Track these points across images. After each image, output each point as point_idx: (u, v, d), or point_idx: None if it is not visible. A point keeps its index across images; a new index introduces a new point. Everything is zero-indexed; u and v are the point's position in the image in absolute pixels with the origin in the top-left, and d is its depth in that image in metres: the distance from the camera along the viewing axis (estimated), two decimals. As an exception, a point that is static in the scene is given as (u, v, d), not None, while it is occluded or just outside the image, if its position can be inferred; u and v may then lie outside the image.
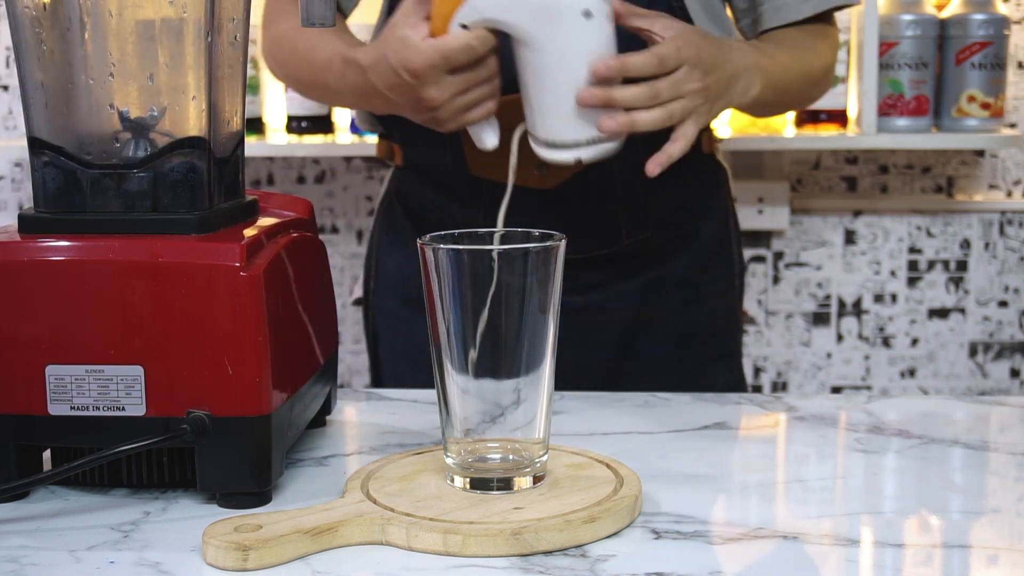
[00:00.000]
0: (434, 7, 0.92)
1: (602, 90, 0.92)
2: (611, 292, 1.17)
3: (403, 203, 1.23)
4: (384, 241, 1.24)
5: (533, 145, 0.95)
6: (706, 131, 1.19)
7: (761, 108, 1.17)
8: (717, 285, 1.21)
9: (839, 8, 1.18)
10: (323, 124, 2.16)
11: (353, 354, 2.33)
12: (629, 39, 0.98)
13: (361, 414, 0.92)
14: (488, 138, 0.97)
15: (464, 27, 0.90)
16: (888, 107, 2.02)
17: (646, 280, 1.17)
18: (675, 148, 0.97)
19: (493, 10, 0.89)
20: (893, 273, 2.24)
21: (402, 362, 1.23)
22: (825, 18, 1.17)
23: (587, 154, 0.94)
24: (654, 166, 0.97)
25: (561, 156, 0.94)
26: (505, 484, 0.69)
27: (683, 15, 1.08)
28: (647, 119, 0.94)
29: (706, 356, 1.21)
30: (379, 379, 1.26)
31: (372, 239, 1.27)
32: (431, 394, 0.84)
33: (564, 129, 0.93)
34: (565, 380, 0.97)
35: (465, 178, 1.13)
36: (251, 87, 2.10)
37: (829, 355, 2.26)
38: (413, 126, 1.13)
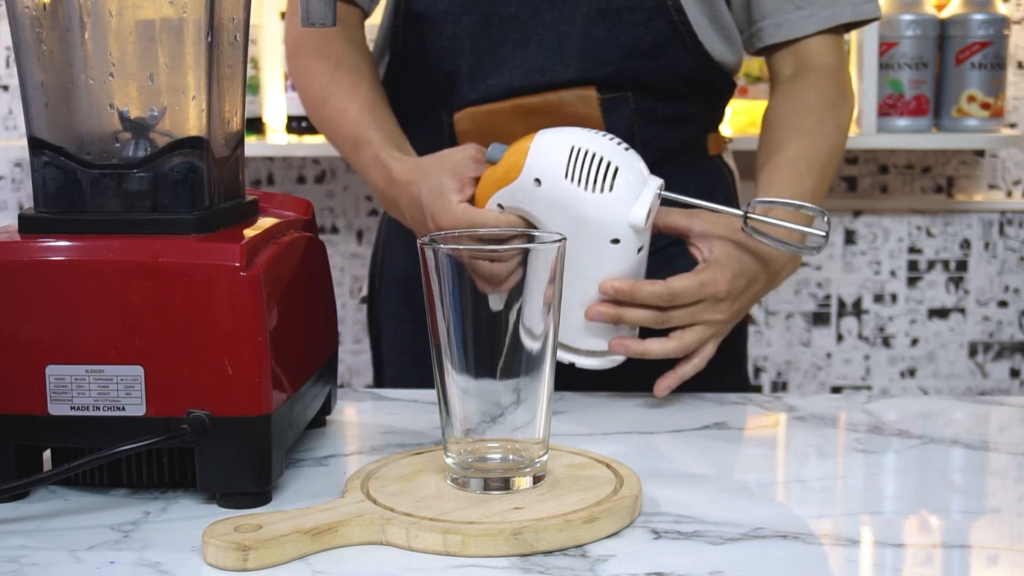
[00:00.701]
0: (483, 177, 0.93)
1: (610, 307, 0.90)
2: None
3: None
4: (390, 242, 1.24)
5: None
6: (712, 132, 1.18)
7: None
8: None
9: (849, 28, 1.12)
10: (323, 124, 2.16)
11: (353, 354, 2.33)
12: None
13: (361, 414, 0.92)
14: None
15: (501, 207, 0.91)
16: (888, 107, 2.02)
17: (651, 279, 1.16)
18: (687, 369, 0.93)
19: (530, 204, 0.89)
20: (893, 273, 2.24)
21: (404, 362, 1.23)
22: (830, 35, 1.11)
23: (590, 363, 0.92)
24: (661, 390, 0.93)
25: (564, 357, 0.92)
26: (505, 484, 0.69)
27: (680, 17, 1.08)
28: (658, 350, 0.92)
29: (713, 357, 1.20)
30: (381, 379, 1.26)
31: (378, 239, 1.27)
32: (431, 394, 0.84)
33: (571, 336, 0.92)
34: (570, 383, 0.97)
35: None
36: (251, 87, 2.10)
37: (829, 355, 2.26)
38: (418, 133, 1.14)
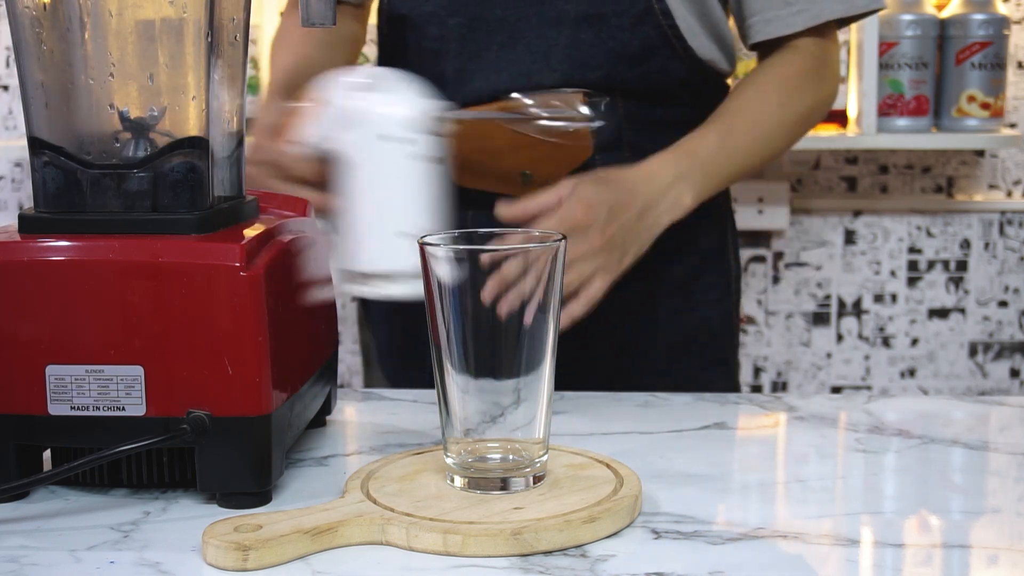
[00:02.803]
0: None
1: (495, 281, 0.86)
2: (604, 300, 1.16)
3: None
4: None
5: (343, 285, 0.91)
6: None
7: (726, 185, 1.11)
8: (712, 293, 1.19)
9: (841, 23, 1.11)
10: (323, 124, 2.16)
11: (353, 354, 2.34)
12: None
13: (361, 414, 0.92)
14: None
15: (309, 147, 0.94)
16: (888, 107, 2.03)
17: (640, 288, 1.14)
18: (577, 308, 0.93)
19: (326, 130, 0.91)
20: (893, 273, 2.24)
21: (392, 360, 1.22)
22: (822, 32, 1.10)
23: (390, 291, 0.88)
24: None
25: (356, 289, 0.89)
26: (505, 484, 0.69)
27: (667, 21, 1.06)
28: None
29: (702, 363, 1.19)
30: (370, 378, 1.26)
31: None
32: (431, 394, 0.84)
33: (364, 260, 0.88)
34: (570, 383, 0.97)
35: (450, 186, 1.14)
36: (251, 87, 2.10)
37: (829, 355, 2.26)
38: None
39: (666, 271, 1.16)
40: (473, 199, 1.12)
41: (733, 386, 1.22)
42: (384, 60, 1.16)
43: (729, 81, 1.17)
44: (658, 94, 1.10)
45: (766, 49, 1.13)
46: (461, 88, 1.09)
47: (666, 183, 1.01)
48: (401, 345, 1.21)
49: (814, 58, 1.12)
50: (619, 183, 0.98)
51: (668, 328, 1.17)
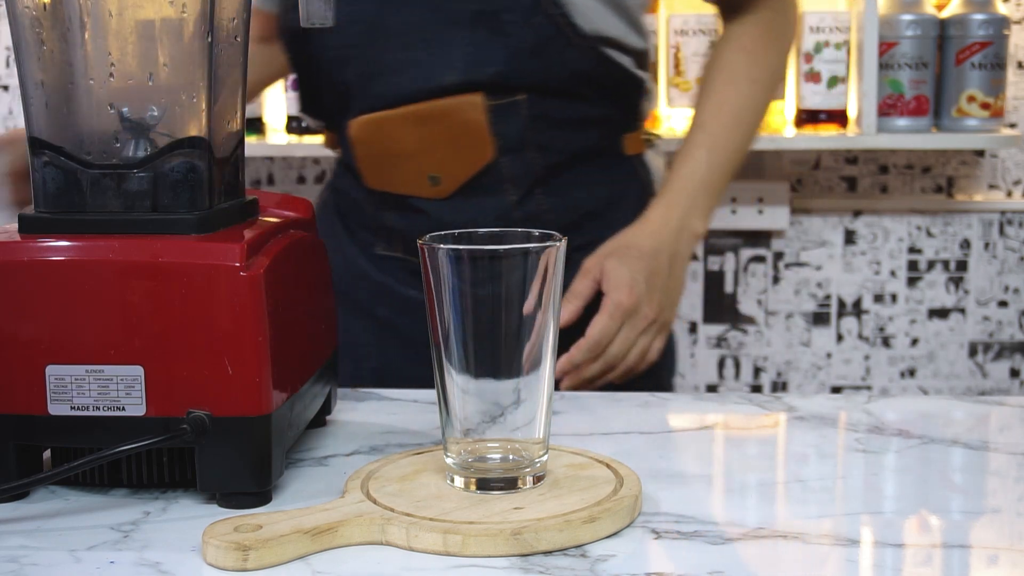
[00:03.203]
0: None
1: (569, 380, 1.02)
2: None
3: (335, 198, 1.23)
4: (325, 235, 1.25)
5: None
6: (633, 132, 1.16)
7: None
8: None
9: None
10: (323, 124, 2.16)
11: (353, 354, 2.33)
12: None
13: (361, 414, 0.92)
14: None
15: None
16: (888, 107, 2.03)
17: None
18: (642, 368, 1.05)
19: None
20: (893, 273, 2.24)
21: (345, 360, 1.23)
22: None
23: None
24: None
25: None
26: (505, 484, 0.69)
27: (558, 10, 1.06)
28: (623, 376, 1.04)
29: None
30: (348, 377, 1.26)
31: None
32: (431, 394, 0.84)
33: None
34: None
35: (366, 188, 1.15)
36: (251, 87, 2.10)
37: (829, 355, 2.26)
38: (338, 143, 1.16)
39: (573, 270, 1.13)
40: (389, 201, 1.13)
41: (670, 354, 1.21)
42: (296, 72, 1.18)
43: (641, 75, 1.15)
44: (564, 91, 1.09)
45: (725, 7, 1.15)
46: (365, 94, 1.09)
47: (677, 227, 1.07)
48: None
49: (771, 9, 1.14)
50: (640, 249, 1.05)
51: (581, 326, 1.12)
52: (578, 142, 1.12)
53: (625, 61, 1.12)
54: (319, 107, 1.19)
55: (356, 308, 1.18)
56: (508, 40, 1.06)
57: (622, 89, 1.13)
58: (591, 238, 1.11)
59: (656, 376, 1.13)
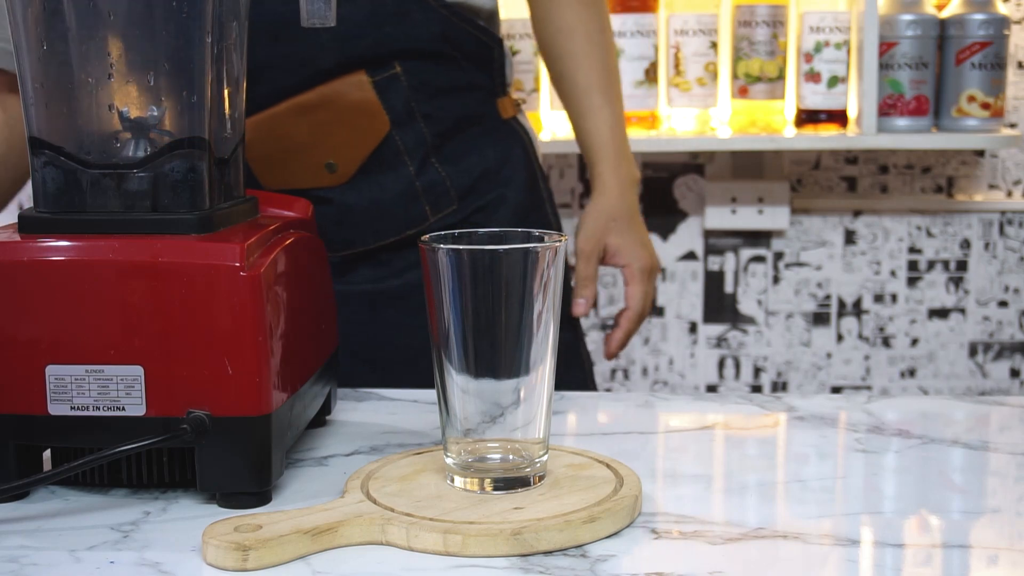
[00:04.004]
0: None
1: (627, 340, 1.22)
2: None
3: None
4: None
5: None
6: (504, 96, 1.21)
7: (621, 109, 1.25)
8: None
9: None
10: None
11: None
12: None
13: (361, 414, 0.92)
14: None
15: None
16: (888, 107, 2.02)
17: None
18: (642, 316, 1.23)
19: None
20: (893, 273, 2.24)
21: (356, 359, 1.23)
22: None
23: None
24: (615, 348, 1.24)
25: None
26: (505, 484, 0.69)
27: None
28: (634, 328, 1.23)
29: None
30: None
31: None
32: (431, 394, 0.84)
33: None
34: (570, 383, 0.97)
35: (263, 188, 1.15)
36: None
37: (829, 355, 2.26)
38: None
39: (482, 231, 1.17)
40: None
41: (576, 335, 1.25)
42: None
43: (496, 34, 1.20)
44: (434, 56, 1.12)
45: None
46: (249, 95, 1.09)
47: (628, 182, 1.22)
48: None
49: None
50: (622, 216, 1.22)
51: None
52: (459, 108, 1.16)
53: (478, 20, 1.16)
54: None
55: None
56: (369, 7, 1.08)
57: (485, 52, 1.17)
58: (490, 198, 1.17)
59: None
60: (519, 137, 1.22)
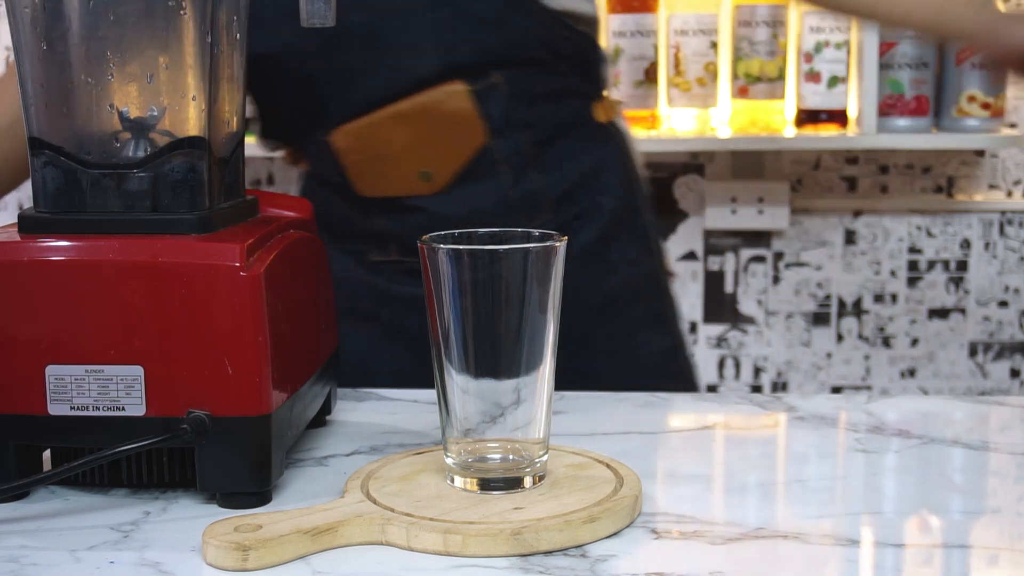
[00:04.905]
0: None
1: None
2: None
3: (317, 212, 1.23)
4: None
5: None
6: (599, 98, 1.18)
7: None
8: (627, 254, 1.18)
9: None
10: (323, 124, 2.16)
11: (353, 354, 2.33)
12: None
13: (361, 414, 0.92)
14: None
15: None
16: (888, 107, 2.02)
17: None
18: None
19: None
20: (893, 273, 2.24)
21: (361, 369, 1.23)
22: None
23: None
24: None
25: None
26: (505, 484, 0.69)
27: None
28: None
29: (632, 322, 1.18)
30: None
31: None
32: (431, 394, 0.84)
33: None
34: (570, 383, 0.97)
35: (356, 195, 1.14)
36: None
37: (829, 355, 2.26)
38: (304, 158, 1.15)
39: (574, 240, 1.14)
40: (380, 206, 1.12)
41: (674, 344, 1.21)
42: (259, 102, 1.16)
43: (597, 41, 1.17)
44: (535, 64, 1.11)
45: None
46: (343, 102, 1.09)
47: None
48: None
49: None
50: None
51: (585, 293, 1.15)
52: (557, 115, 1.14)
53: (582, 27, 1.14)
54: (281, 129, 1.18)
55: (359, 315, 1.18)
56: (470, 15, 1.07)
57: (584, 56, 1.15)
58: (585, 206, 1.14)
59: None
60: (616, 141, 1.19)
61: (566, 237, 0.69)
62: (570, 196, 1.14)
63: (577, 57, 1.14)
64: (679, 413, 0.91)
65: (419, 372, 1.03)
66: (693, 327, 2.25)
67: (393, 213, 1.13)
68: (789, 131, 2.06)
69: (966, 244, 2.23)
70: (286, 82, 1.12)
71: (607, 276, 1.17)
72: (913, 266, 2.23)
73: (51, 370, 0.69)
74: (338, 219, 1.18)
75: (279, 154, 1.25)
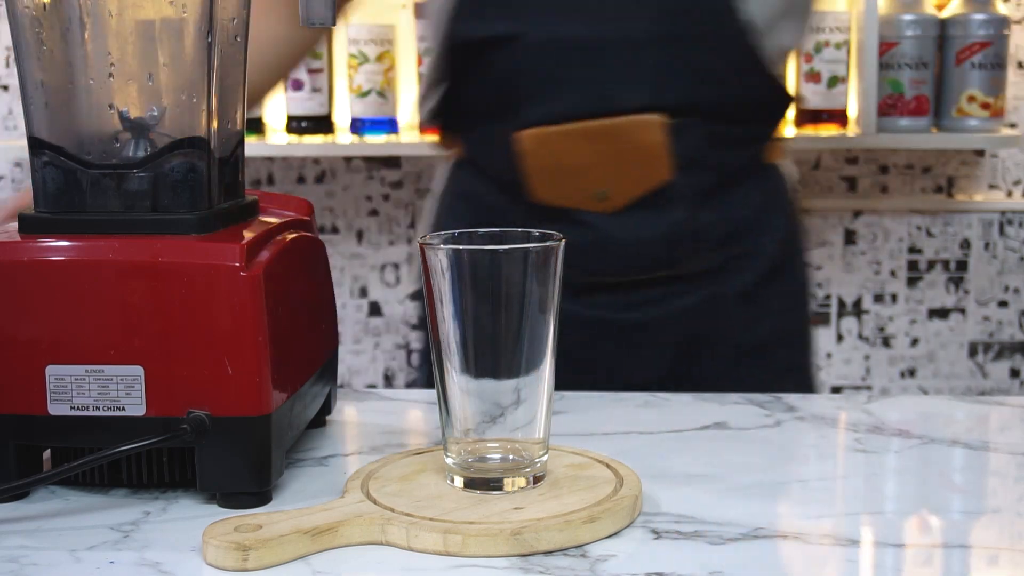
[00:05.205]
0: None
1: None
2: (667, 308, 1.14)
3: (463, 205, 1.20)
4: (449, 227, 1.22)
5: None
6: (772, 140, 1.16)
7: None
8: (781, 301, 1.18)
9: None
10: (323, 124, 2.16)
11: (353, 354, 2.34)
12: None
13: (361, 414, 0.92)
14: None
15: None
16: (888, 107, 2.03)
17: (704, 296, 1.13)
18: None
19: None
20: (893, 273, 2.24)
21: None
22: None
23: None
24: None
25: None
26: (505, 484, 0.69)
27: (758, 54, 1.07)
28: None
29: (771, 371, 1.16)
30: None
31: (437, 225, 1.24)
32: (431, 394, 0.84)
33: None
34: (570, 383, 0.96)
35: (523, 196, 1.13)
36: (251, 87, 2.09)
37: (829, 355, 2.26)
38: (482, 145, 1.13)
39: (731, 281, 1.15)
40: (549, 214, 1.11)
41: (811, 391, 1.20)
42: (455, 81, 1.14)
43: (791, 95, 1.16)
44: (734, 111, 1.10)
45: None
46: (540, 107, 1.08)
47: None
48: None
49: None
50: None
51: (733, 336, 1.15)
52: (741, 158, 1.13)
53: (781, 70, 1.13)
54: (463, 111, 1.16)
55: None
56: (696, 66, 1.06)
57: (779, 106, 1.14)
58: (749, 246, 1.13)
59: None
60: (782, 182, 1.18)
61: (564, 238, 0.69)
62: (736, 236, 1.13)
63: (773, 107, 1.13)
64: (679, 413, 0.91)
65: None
66: (693, 327, 2.25)
67: (559, 222, 1.09)
68: (789, 131, 2.06)
69: (966, 244, 2.23)
70: (485, 74, 1.10)
71: (756, 322, 1.16)
72: (913, 266, 2.23)
73: (51, 370, 0.69)
74: (485, 211, 1.16)
75: (318, 139, 1.23)
